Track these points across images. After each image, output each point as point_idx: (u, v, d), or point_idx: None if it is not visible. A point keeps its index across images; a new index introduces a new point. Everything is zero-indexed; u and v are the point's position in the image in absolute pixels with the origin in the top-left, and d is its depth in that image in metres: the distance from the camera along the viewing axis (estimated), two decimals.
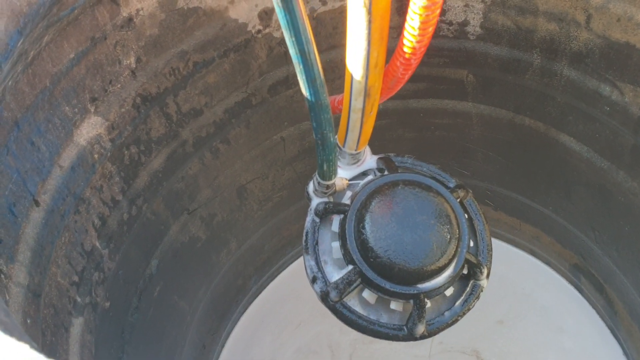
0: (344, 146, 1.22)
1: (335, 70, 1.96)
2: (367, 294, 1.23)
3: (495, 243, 2.54)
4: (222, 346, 2.41)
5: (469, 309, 1.26)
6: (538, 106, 1.86)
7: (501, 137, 2.06)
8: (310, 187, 1.35)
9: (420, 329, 1.20)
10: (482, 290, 1.27)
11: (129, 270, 1.72)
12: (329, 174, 1.16)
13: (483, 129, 2.08)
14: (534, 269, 2.44)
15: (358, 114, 1.07)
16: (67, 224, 1.44)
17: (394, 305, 1.24)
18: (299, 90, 1.99)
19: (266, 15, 1.71)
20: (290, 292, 2.54)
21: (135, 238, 1.72)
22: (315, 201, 1.33)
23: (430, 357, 2.31)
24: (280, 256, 2.52)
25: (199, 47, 1.64)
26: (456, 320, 1.25)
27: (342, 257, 1.23)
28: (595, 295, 2.20)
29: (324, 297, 1.23)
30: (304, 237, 1.31)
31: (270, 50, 1.80)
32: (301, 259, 2.60)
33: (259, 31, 1.73)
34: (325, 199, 1.31)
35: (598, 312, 2.23)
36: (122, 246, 1.67)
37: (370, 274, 1.16)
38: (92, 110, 1.46)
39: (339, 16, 1.79)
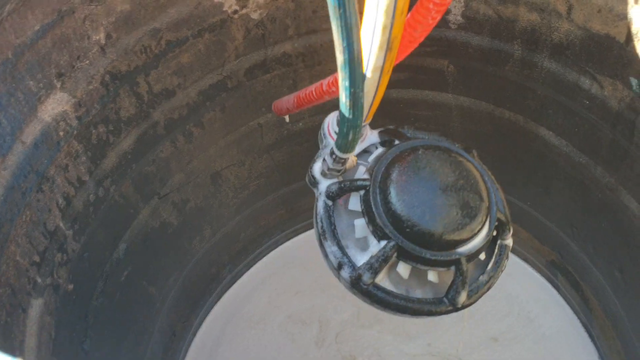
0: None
1: (315, 55, 1.92)
2: (402, 269, 1.17)
3: None
4: (194, 334, 2.37)
5: (502, 271, 1.21)
6: (518, 99, 1.83)
7: (481, 130, 2.03)
8: (317, 169, 1.26)
9: (463, 297, 1.13)
10: (509, 250, 1.23)
11: (94, 252, 1.67)
12: (353, 143, 1.04)
13: (463, 121, 2.06)
14: (512, 265, 2.42)
15: (376, 73, 0.93)
16: (29, 202, 1.40)
17: (431, 276, 1.18)
18: (277, 75, 1.96)
19: None
20: (266, 281, 2.50)
21: (102, 220, 1.68)
22: (324, 183, 1.24)
23: (415, 357, 2.28)
24: (257, 245, 2.48)
25: (172, 25, 1.60)
26: (492, 284, 1.20)
27: (365, 236, 1.17)
28: (571, 293, 2.18)
29: (355, 282, 1.15)
30: (318, 225, 1.22)
31: (247, 32, 1.76)
32: (278, 249, 2.57)
33: (235, 12, 1.69)
34: (335, 179, 1.24)
35: (573, 309, 2.22)
36: (88, 228, 1.63)
37: (408, 246, 1.08)
38: (58, 86, 1.41)
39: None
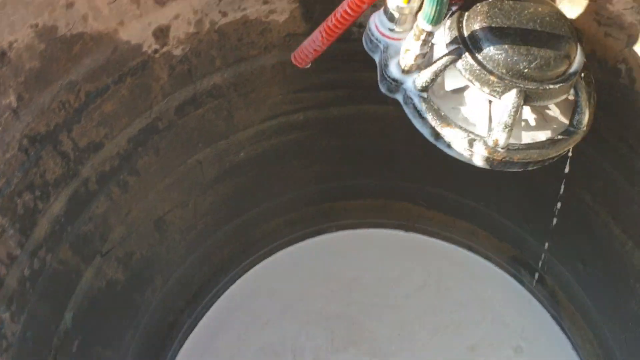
0: (410, 1, 1.12)
1: (247, 83, 1.84)
2: (529, 114, 1.20)
3: (431, 241, 2.50)
4: None
5: (593, 81, 1.25)
6: None
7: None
8: (395, 70, 1.20)
9: (587, 116, 1.19)
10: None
11: (38, 329, 1.54)
12: (445, 6, 1.00)
13: (407, 130, 2.01)
14: (472, 262, 2.41)
15: None
16: None
17: (553, 111, 1.23)
18: (210, 108, 1.87)
19: (162, 33, 1.56)
20: (231, 315, 2.40)
21: (42, 293, 1.55)
22: (409, 80, 1.18)
23: None
24: (214, 284, 2.37)
25: (89, 75, 1.48)
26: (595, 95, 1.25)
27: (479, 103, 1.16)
28: (537, 286, 2.18)
29: (493, 152, 1.14)
30: (428, 122, 1.18)
31: (171, 69, 1.66)
32: (238, 281, 2.47)
33: (155, 51, 1.59)
34: (417, 71, 1.17)
35: (541, 302, 2.22)
36: (27, 305, 1.49)
37: (533, 85, 1.09)
38: None
39: (242, 27, 1.67)
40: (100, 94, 1.54)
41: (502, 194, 1.98)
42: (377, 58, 1.29)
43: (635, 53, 1.25)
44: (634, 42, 1.23)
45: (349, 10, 1.25)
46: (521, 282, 2.27)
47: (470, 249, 2.39)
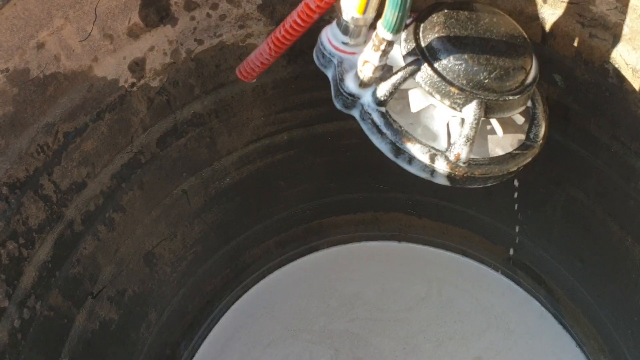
0: (365, 11, 1.06)
1: (228, 108, 1.80)
2: (497, 126, 1.18)
3: (425, 249, 2.47)
4: None
5: (544, 95, 1.27)
6: None
7: None
8: (351, 85, 1.16)
9: (543, 128, 1.19)
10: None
11: None
12: (406, 14, 0.95)
13: None
14: (468, 268, 2.39)
15: None
16: None
17: (509, 125, 1.22)
18: (192, 137, 1.83)
19: (138, 66, 1.52)
20: (227, 346, 2.35)
21: (34, 343, 1.49)
22: (367, 94, 1.15)
23: None
24: (208, 313, 2.32)
25: (66, 115, 1.43)
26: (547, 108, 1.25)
27: (441, 116, 1.14)
28: (535, 286, 2.17)
29: (454, 167, 1.11)
30: (385, 138, 1.15)
31: (150, 101, 1.62)
32: (233, 307, 2.42)
33: (132, 84, 1.54)
34: (375, 85, 1.14)
35: (540, 302, 2.20)
36: (20, 357, 1.43)
37: (494, 97, 1.06)
38: None
39: (220, 53, 1.63)
40: (79, 133, 1.49)
41: (493, 197, 1.96)
42: (330, 74, 1.25)
43: (621, 52, 1.24)
44: (620, 41, 1.23)
45: (298, 21, 1.20)
46: (519, 283, 2.26)
47: (464, 254, 2.37)
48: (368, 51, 1.07)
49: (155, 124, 1.67)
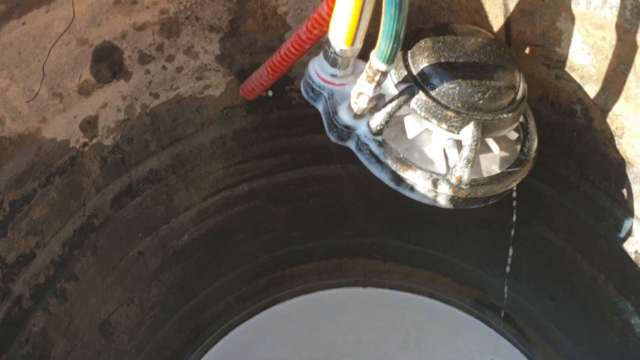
0: (353, 43, 1.04)
1: (186, 163, 1.71)
2: (494, 145, 1.19)
3: (391, 293, 2.43)
4: None
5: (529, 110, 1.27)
6: None
7: (377, 191, 1.94)
8: (346, 117, 1.14)
9: (536, 142, 1.21)
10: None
11: None
12: (400, 44, 0.93)
13: (356, 187, 1.95)
14: (435, 310, 2.35)
15: None
16: None
17: (502, 142, 1.22)
18: (148, 195, 1.72)
19: (89, 124, 1.42)
20: None
21: None
22: (362, 125, 1.13)
23: None
24: None
25: (12, 182, 1.31)
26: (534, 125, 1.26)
27: (438, 140, 1.14)
28: (504, 325, 2.15)
29: (457, 190, 1.12)
30: (385, 167, 1.14)
31: (103, 161, 1.52)
32: None
33: (84, 144, 1.44)
34: (368, 115, 1.12)
35: (510, 341, 2.18)
36: None
37: (489, 117, 1.08)
38: None
39: (176, 106, 1.56)
40: (26, 201, 1.37)
41: (459, 238, 1.94)
42: (320, 107, 1.23)
43: (589, 93, 1.25)
44: (587, 82, 1.24)
45: (291, 49, 1.22)
46: (487, 322, 2.24)
47: (431, 296, 2.34)
48: (362, 83, 1.06)
49: (109, 185, 1.57)
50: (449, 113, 1.07)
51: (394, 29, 0.89)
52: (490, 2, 1.27)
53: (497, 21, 1.30)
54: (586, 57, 1.20)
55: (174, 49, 1.45)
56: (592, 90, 1.24)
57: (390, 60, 0.96)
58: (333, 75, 1.16)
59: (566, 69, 1.25)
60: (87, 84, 1.37)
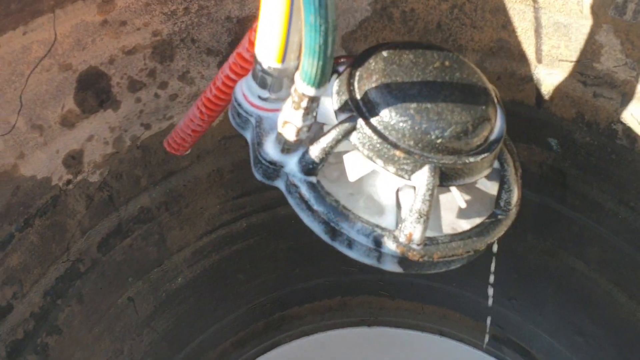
0: (284, 60, 0.82)
1: (180, 199, 1.57)
2: (458, 196, 0.94)
3: (398, 332, 2.28)
4: None
5: (514, 150, 1.05)
6: None
7: None
8: (272, 152, 0.91)
9: (516, 193, 1.00)
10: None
11: None
12: (330, 63, 0.73)
13: None
14: (447, 349, 2.21)
15: None
16: None
17: (473, 191, 1.00)
18: (139, 235, 1.57)
19: (74, 159, 1.27)
20: None
21: None
22: (292, 161, 0.91)
23: None
24: None
25: None
26: (519, 167, 1.05)
27: (386, 185, 0.94)
28: None
29: (407, 251, 0.87)
30: (317, 217, 0.90)
31: (89, 200, 1.36)
32: None
33: (68, 182, 1.29)
34: (302, 149, 0.90)
35: None
36: None
37: (450, 160, 0.86)
38: None
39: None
40: (2, 248, 1.21)
41: (479, 274, 1.81)
42: (248, 136, 1.00)
43: (632, 111, 1.14)
44: (631, 99, 1.12)
45: (232, 76, 0.99)
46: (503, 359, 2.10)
47: (442, 334, 2.19)
48: (288, 109, 0.85)
49: (95, 226, 1.41)
50: (398, 153, 0.85)
51: (316, 42, 0.70)
52: (519, 15, 1.16)
53: (526, 36, 1.19)
54: (630, 73, 1.09)
55: (168, 74, 1.31)
56: (636, 108, 1.13)
57: (318, 84, 0.77)
58: (262, 98, 0.94)
59: (606, 85, 1.14)
60: (71, 115, 1.23)
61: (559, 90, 1.21)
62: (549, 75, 1.20)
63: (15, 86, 1.10)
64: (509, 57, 1.26)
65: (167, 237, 1.62)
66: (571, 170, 1.35)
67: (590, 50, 1.12)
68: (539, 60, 1.21)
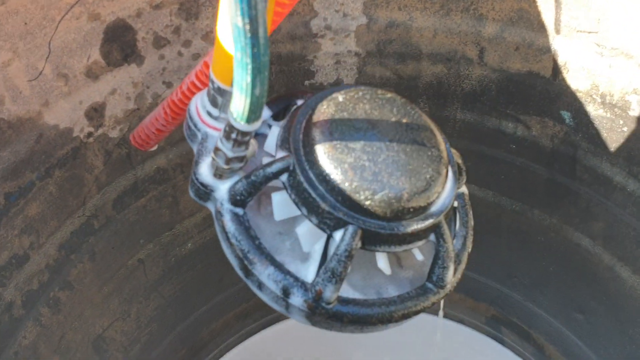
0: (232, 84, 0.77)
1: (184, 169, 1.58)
2: (382, 262, 0.87)
3: None
4: None
5: (472, 225, 0.95)
6: None
7: None
8: (205, 173, 0.87)
9: (451, 272, 0.87)
10: (468, 198, 0.96)
11: None
12: (261, 100, 0.68)
13: None
14: (446, 329, 2.23)
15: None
16: None
17: (419, 254, 0.90)
18: (153, 196, 1.58)
19: (96, 112, 1.29)
20: None
21: None
22: (223, 188, 0.86)
23: None
24: None
25: (9, 172, 1.17)
26: (469, 246, 0.95)
27: (311, 234, 0.84)
28: (521, 344, 2.03)
29: (314, 308, 0.81)
30: (235, 249, 0.84)
31: (107, 155, 1.38)
32: None
33: (89, 134, 1.30)
34: (237, 176, 0.85)
35: None
36: None
37: (375, 225, 0.78)
38: None
39: (186, 100, 1.42)
40: (23, 194, 1.22)
41: (483, 250, 1.83)
42: (195, 150, 0.97)
43: None
44: None
45: (197, 83, 0.98)
46: (502, 341, 2.12)
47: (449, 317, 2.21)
48: (221, 137, 0.81)
49: (112, 182, 1.43)
50: (323, 206, 0.80)
51: (243, 80, 0.65)
52: None
53: (546, 6, 1.21)
54: None
55: (192, 32, 1.33)
56: None
57: (246, 119, 0.72)
58: (212, 116, 0.92)
59: (622, 57, 1.17)
60: (96, 66, 1.24)
61: (575, 61, 1.24)
62: (566, 46, 1.23)
63: (45, 32, 1.11)
64: (528, 27, 1.28)
65: (180, 201, 1.63)
66: (582, 143, 1.38)
67: (608, 21, 1.15)
68: (558, 31, 1.24)
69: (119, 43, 1.25)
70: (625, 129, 1.28)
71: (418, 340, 2.23)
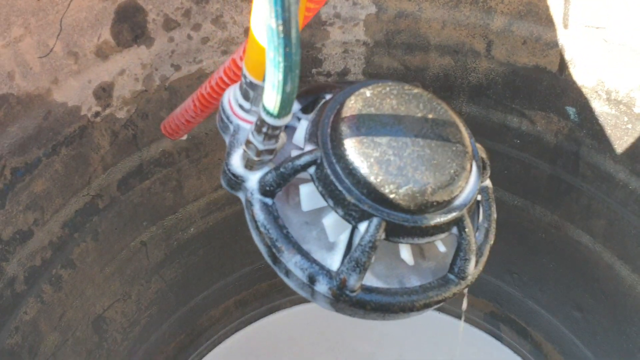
0: (264, 79, 0.80)
1: (201, 147, 1.59)
2: (405, 252, 0.89)
3: None
4: None
5: (495, 218, 0.97)
6: None
7: None
8: (237, 164, 0.90)
9: (473, 264, 0.88)
10: (492, 192, 0.98)
11: None
12: (292, 97, 0.72)
13: None
14: (445, 325, 2.23)
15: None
16: None
17: (434, 249, 0.92)
18: (158, 179, 1.59)
19: (104, 92, 1.30)
20: None
21: None
22: (253, 178, 0.89)
23: None
24: None
25: (16, 147, 1.18)
26: (491, 239, 0.98)
27: (337, 224, 0.87)
28: (519, 341, 2.04)
29: (339, 295, 0.84)
30: (264, 237, 0.87)
31: (114, 136, 1.39)
32: None
33: (96, 114, 1.31)
34: (267, 168, 0.88)
35: (524, 357, 2.07)
36: None
37: (399, 217, 0.81)
38: None
39: (197, 82, 1.44)
40: (29, 170, 1.23)
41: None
42: (227, 141, 1.00)
43: None
44: None
45: (225, 79, 1.01)
46: (500, 338, 2.13)
47: (439, 309, 2.22)
48: (252, 130, 0.85)
49: (117, 163, 1.44)
50: (349, 198, 0.83)
51: (275, 77, 0.68)
52: None
53: (555, 0, 1.22)
54: None
55: (202, 16, 1.34)
56: None
57: (277, 115, 0.75)
58: (242, 108, 0.94)
59: (630, 52, 1.18)
60: (106, 46, 1.25)
61: (582, 56, 1.24)
62: (574, 41, 1.23)
63: (57, 9, 1.12)
64: (536, 21, 1.29)
65: (184, 185, 1.64)
66: (586, 139, 1.38)
67: (617, 16, 1.16)
68: (566, 26, 1.24)
69: (130, 23, 1.26)
70: (629, 126, 1.28)
71: (416, 335, 2.24)
